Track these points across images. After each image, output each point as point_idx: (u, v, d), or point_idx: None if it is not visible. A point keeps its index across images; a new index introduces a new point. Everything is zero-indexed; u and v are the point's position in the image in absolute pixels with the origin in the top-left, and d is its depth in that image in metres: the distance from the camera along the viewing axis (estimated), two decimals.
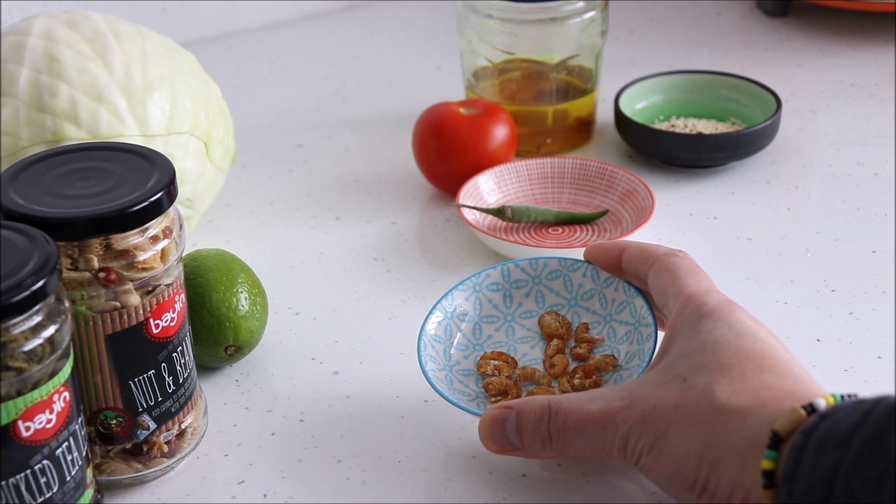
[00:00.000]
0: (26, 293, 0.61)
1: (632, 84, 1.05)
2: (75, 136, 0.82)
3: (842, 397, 0.59)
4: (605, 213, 0.95)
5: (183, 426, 0.73)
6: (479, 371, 0.77)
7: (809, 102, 1.11)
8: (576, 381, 0.75)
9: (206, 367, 0.81)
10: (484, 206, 0.95)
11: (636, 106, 1.05)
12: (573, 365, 0.77)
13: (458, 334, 0.78)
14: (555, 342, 0.78)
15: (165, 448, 0.72)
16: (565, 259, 0.79)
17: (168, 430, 0.72)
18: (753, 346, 0.64)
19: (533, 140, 1.04)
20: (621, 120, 1.02)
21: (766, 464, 0.58)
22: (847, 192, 0.98)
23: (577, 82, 1.04)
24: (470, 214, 0.93)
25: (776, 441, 0.59)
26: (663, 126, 1.03)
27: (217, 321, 0.79)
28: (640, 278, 0.74)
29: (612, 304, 0.77)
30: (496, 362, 0.77)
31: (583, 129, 1.05)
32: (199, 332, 0.79)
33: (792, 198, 0.98)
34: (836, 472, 0.55)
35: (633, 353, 0.75)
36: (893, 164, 1.01)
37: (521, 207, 0.94)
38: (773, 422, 0.59)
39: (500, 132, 0.98)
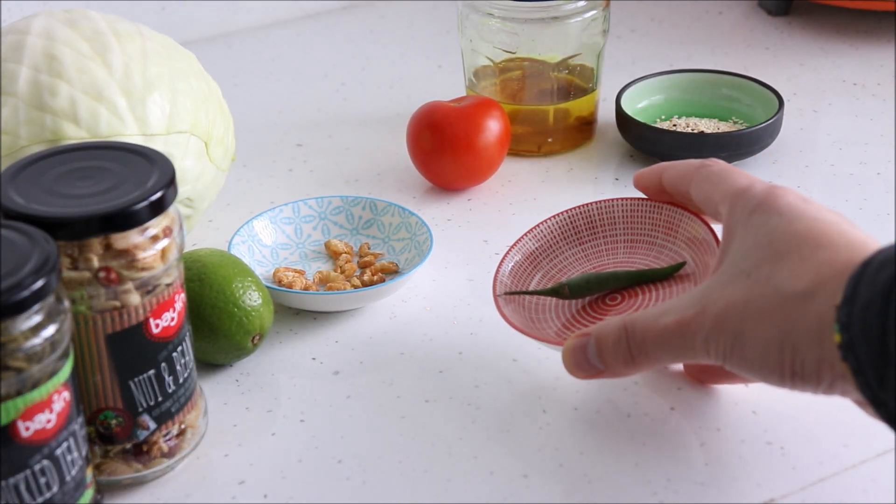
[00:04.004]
0: (26, 293, 0.60)
1: (633, 83, 1.05)
2: (75, 135, 0.82)
3: None
4: (682, 265, 0.77)
5: (183, 426, 0.73)
6: (275, 280, 0.87)
7: (811, 102, 1.11)
8: (365, 278, 0.87)
9: (226, 364, 0.81)
10: (528, 289, 0.80)
11: (638, 105, 1.05)
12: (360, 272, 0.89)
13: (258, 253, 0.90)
14: (343, 256, 0.89)
15: (165, 448, 0.72)
16: (347, 196, 0.92)
17: (168, 430, 0.72)
18: (807, 227, 0.66)
19: (534, 139, 1.04)
20: (623, 119, 1.02)
21: (837, 337, 0.61)
22: (849, 191, 0.98)
23: (579, 81, 1.04)
24: (514, 312, 0.78)
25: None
26: (665, 125, 1.03)
27: (245, 312, 0.79)
28: (685, 197, 0.77)
29: (389, 227, 0.91)
30: (291, 273, 0.87)
31: (584, 128, 1.05)
32: (227, 326, 0.79)
33: None
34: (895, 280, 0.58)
35: (411, 258, 0.88)
36: (895, 164, 1.01)
37: (579, 280, 0.78)
38: (836, 297, 0.61)
39: (492, 122, 0.97)
